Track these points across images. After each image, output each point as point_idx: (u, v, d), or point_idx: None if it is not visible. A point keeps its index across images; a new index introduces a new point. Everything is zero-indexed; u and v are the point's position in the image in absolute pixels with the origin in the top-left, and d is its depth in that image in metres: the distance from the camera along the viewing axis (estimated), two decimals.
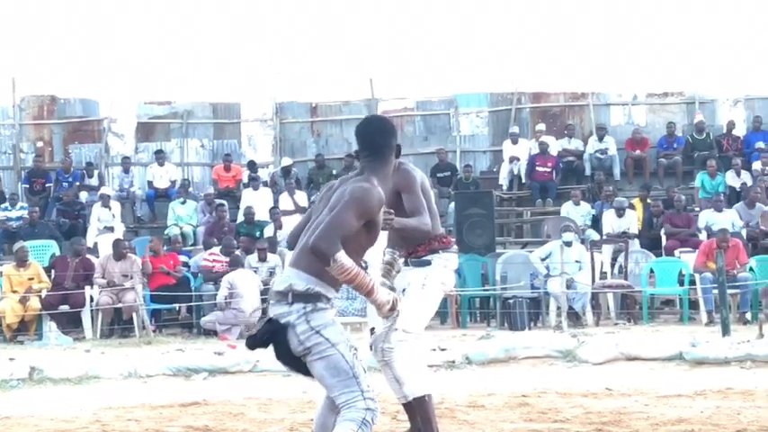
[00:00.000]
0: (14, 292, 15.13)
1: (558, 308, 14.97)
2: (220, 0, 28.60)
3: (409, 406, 6.55)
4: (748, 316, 14.64)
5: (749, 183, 18.83)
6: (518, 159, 20.63)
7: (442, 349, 11.29)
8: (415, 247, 6.64)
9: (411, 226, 6.44)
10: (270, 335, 5.17)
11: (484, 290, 15.88)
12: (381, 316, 5.41)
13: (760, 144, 20.08)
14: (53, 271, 15.81)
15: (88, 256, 16.08)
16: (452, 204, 18.39)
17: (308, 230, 5.27)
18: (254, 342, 5.24)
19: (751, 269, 15.22)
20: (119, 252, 15.52)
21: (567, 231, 15.56)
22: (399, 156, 5.66)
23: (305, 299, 5.11)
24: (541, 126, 21.35)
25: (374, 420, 5.08)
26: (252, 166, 20.55)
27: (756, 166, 19.35)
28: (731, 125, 20.85)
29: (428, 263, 6.61)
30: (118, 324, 15.24)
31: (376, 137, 5.50)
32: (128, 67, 26.46)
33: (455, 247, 6.81)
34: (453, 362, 10.96)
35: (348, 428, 5.03)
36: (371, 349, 6.72)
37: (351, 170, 20.64)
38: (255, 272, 15.50)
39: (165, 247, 16.34)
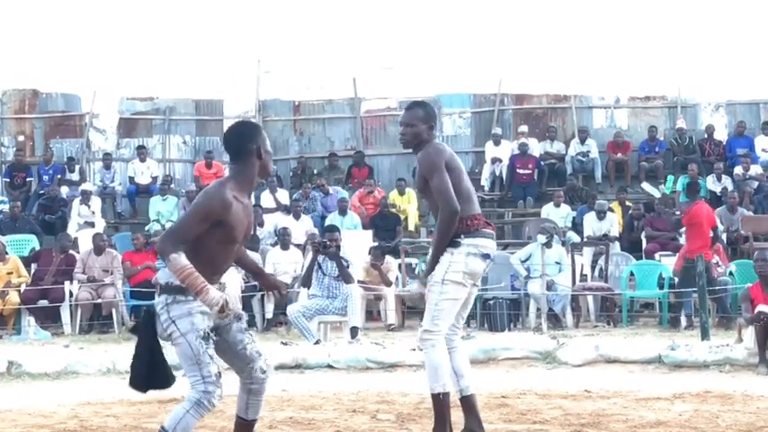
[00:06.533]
0: None
1: (538, 309, 14.99)
2: None
3: (463, 400, 6.78)
4: None
5: (730, 188, 18.89)
6: (500, 161, 20.64)
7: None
8: None
9: (441, 230, 6.39)
10: (145, 320, 5.81)
11: None
12: (215, 316, 5.74)
13: (742, 149, 20.14)
14: (33, 265, 15.75)
15: (71, 251, 16.02)
16: None
17: None
18: (134, 329, 6.09)
19: (731, 273, 15.27)
20: (97, 246, 15.48)
21: (547, 233, 15.56)
22: (261, 157, 5.63)
23: (167, 291, 5.70)
24: (524, 128, 21.37)
25: (210, 402, 5.64)
26: None
27: (738, 170, 19.42)
28: (710, 129, 20.89)
29: (456, 244, 6.44)
30: (97, 319, 15.20)
31: (232, 142, 5.72)
32: (110, 62, 26.39)
33: (485, 230, 6.52)
34: None
35: (181, 407, 5.63)
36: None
37: (333, 170, 20.76)
38: (237, 269, 15.41)
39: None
